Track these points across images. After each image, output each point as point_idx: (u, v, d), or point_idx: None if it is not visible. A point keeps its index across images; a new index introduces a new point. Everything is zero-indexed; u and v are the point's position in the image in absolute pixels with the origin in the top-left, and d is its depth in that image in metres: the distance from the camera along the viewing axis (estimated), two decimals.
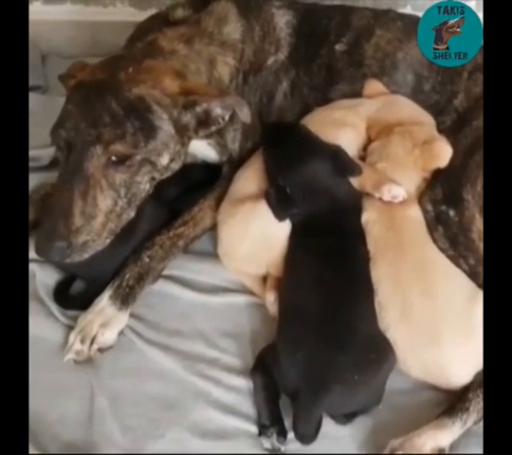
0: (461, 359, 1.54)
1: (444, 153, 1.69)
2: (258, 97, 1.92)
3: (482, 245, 1.59)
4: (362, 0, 2.20)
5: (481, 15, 1.74)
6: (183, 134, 1.65)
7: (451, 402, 1.54)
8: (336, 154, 1.70)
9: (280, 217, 1.66)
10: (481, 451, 1.35)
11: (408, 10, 2.19)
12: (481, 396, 1.50)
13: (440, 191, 1.68)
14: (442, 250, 1.65)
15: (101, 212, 1.57)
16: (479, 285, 1.59)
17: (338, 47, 1.96)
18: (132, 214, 1.66)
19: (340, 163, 1.69)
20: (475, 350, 1.51)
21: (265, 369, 1.57)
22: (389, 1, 2.24)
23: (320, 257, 1.64)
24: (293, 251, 1.69)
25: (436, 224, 1.67)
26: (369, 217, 1.69)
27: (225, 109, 1.65)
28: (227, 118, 1.67)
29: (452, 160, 1.68)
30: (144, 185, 1.64)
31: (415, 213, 1.69)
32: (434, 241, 1.66)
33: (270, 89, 1.94)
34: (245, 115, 1.66)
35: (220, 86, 1.81)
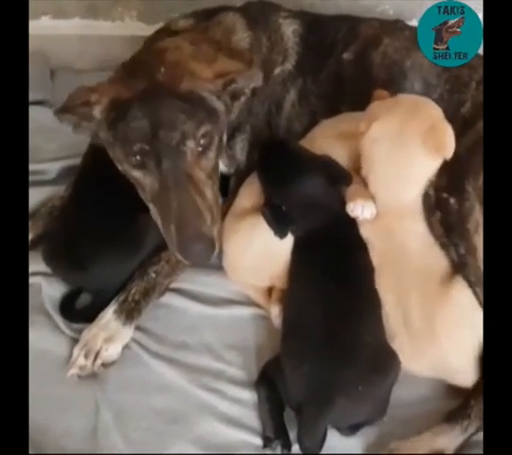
0: (457, 347, 1.56)
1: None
2: (266, 107, 1.93)
3: (475, 237, 1.60)
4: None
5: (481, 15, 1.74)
6: (227, 110, 1.69)
7: (454, 408, 1.55)
8: (326, 165, 1.69)
9: (279, 235, 1.66)
10: None
11: (413, 24, 2.18)
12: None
13: (444, 179, 1.67)
14: (436, 237, 1.65)
15: (212, 203, 1.60)
16: (465, 276, 1.59)
17: (346, 56, 1.96)
18: (221, 200, 1.70)
19: (331, 173, 1.69)
20: (468, 334, 1.55)
21: (269, 381, 1.57)
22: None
23: (323, 270, 1.64)
24: (296, 265, 1.69)
25: (435, 209, 1.67)
26: (365, 232, 1.69)
27: (248, 80, 1.69)
28: (251, 86, 1.71)
29: (458, 153, 1.66)
30: (219, 169, 1.70)
31: (415, 227, 1.68)
32: (430, 225, 1.67)
33: (278, 99, 1.95)
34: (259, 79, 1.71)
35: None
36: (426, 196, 1.68)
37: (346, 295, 1.59)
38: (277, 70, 1.94)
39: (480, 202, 1.61)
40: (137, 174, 1.62)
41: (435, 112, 1.69)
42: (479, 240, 1.59)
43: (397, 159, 1.67)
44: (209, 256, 1.58)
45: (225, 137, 1.71)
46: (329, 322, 1.54)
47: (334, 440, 1.51)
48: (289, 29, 1.97)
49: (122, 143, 1.59)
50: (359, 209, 1.65)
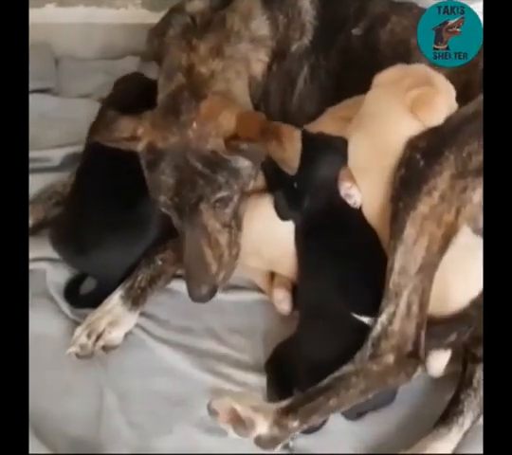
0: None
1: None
2: (282, 85, 1.91)
3: (425, 199, 1.56)
4: None
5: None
6: None
7: (445, 407, 1.54)
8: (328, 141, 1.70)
9: (285, 217, 1.67)
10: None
11: None
12: (472, 395, 1.52)
13: (424, 141, 1.63)
14: (392, 189, 1.62)
15: (225, 247, 1.65)
16: (392, 228, 1.58)
17: (355, 32, 1.95)
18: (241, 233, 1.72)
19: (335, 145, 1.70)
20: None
21: (279, 363, 1.59)
22: None
23: (331, 254, 1.64)
24: (303, 252, 1.68)
25: (403, 166, 1.63)
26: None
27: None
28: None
29: (449, 121, 1.66)
30: (244, 207, 1.70)
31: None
32: (394, 183, 1.62)
33: (293, 75, 1.93)
34: None
35: (256, 85, 1.83)
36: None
37: (358, 276, 1.60)
38: (294, 46, 1.92)
39: (454, 172, 1.57)
40: (165, 211, 1.68)
41: (435, 78, 1.70)
42: (425, 201, 1.55)
43: (382, 108, 1.70)
44: (210, 298, 1.65)
45: (251, 184, 1.71)
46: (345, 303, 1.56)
47: (337, 423, 1.53)
48: (306, 2, 1.95)
49: (152, 188, 1.64)
50: (355, 192, 1.65)
